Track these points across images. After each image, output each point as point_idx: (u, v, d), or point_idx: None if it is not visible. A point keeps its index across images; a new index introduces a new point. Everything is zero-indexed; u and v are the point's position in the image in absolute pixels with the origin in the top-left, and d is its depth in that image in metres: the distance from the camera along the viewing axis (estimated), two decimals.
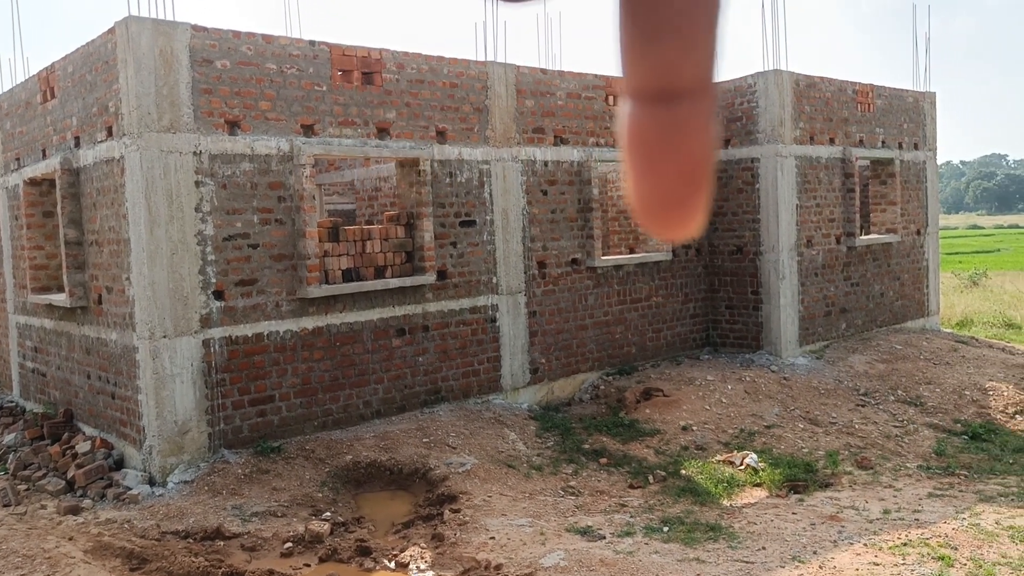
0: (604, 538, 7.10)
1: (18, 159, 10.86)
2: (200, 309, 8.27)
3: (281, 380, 8.82)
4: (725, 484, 8.74)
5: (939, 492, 8.47)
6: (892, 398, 11.53)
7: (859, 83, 14.07)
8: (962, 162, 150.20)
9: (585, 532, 7.23)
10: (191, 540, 6.92)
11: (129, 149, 8.09)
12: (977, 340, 15.10)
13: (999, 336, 16.94)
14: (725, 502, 8.35)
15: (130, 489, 7.91)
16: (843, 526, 7.35)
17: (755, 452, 9.49)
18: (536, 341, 11.07)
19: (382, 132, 9.55)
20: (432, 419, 9.61)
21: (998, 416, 11.07)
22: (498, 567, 6.38)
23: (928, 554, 6.56)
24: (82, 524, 7.22)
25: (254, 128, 8.60)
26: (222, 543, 6.92)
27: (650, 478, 8.91)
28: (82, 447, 8.84)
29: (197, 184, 8.24)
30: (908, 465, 9.53)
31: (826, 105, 13.33)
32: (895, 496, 8.33)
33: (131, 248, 8.19)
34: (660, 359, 12.51)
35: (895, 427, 10.63)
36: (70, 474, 8.40)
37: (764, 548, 6.84)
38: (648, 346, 12.43)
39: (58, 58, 9.57)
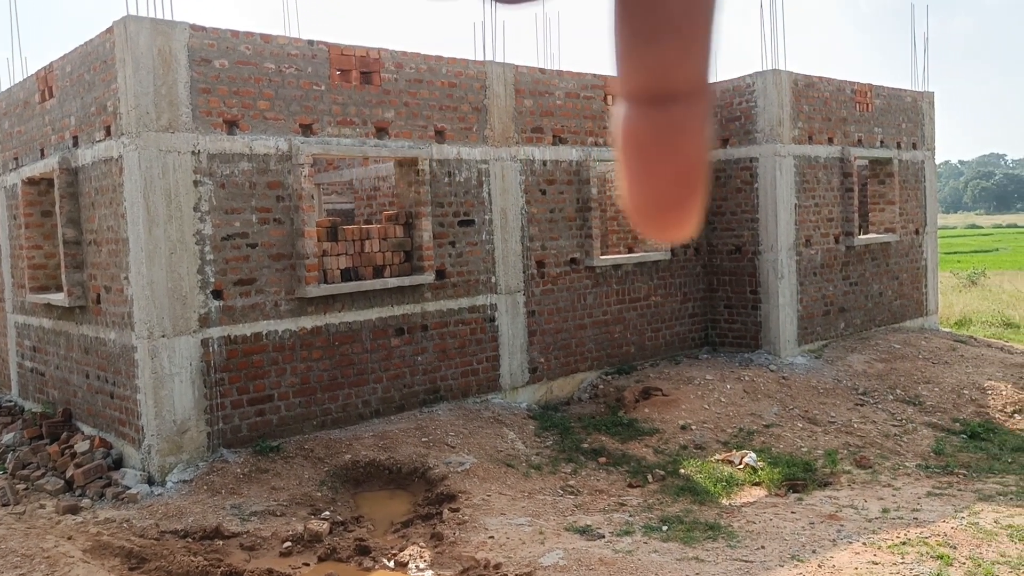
0: (603, 537, 7.10)
1: (16, 158, 10.85)
2: (199, 308, 8.26)
3: (280, 379, 8.82)
4: (724, 483, 8.74)
5: (938, 491, 8.48)
6: (891, 397, 11.54)
7: (857, 83, 14.08)
8: (960, 162, 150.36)
9: (584, 531, 7.23)
10: (190, 539, 6.92)
11: (127, 148, 8.08)
12: (975, 339, 15.12)
13: (997, 335, 16.96)
14: (724, 501, 8.35)
15: (129, 488, 7.90)
16: (842, 525, 7.36)
17: (754, 451, 9.49)
18: (535, 340, 11.07)
19: (381, 132, 9.54)
20: (431, 418, 9.61)
21: (997, 415, 11.08)
22: (497, 566, 6.38)
23: (927, 553, 6.56)
24: (81, 523, 7.22)
25: (253, 128, 8.60)
26: (221, 542, 6.91)
27: (649, 477, 8.92)
28: (81, 446, 8.84)
29: (196, 183, 8.23)
30: (907, 464, 9.54)
31: (825, 105, 13.34)
32: (894, 495, 8.34)
33: (129, 247, 8.19)
34: (659, 358, 12.51)
35: (894, 426, 10.64)
36: (69, 473, 8.40)
37: (763, 547, 6.84)
38: (647, 345, 12.44)
39: (56, 57, 9.57)
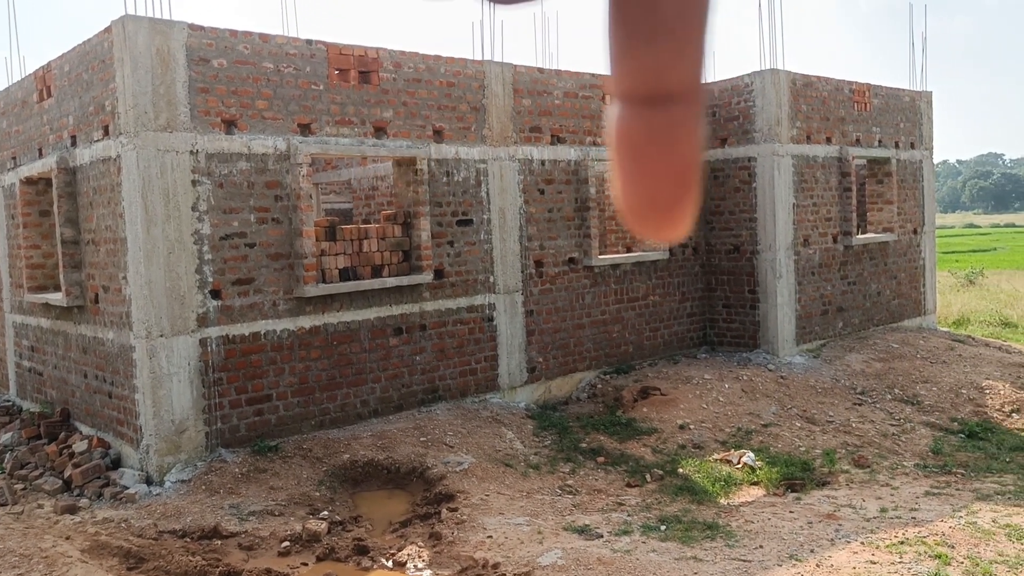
0: (601, 537, 7.11)
1: (14, 158, 10.84)
2: (197, 308, 8.26)
3: (278, 379, 8.82)
4: (722, 483, 8.75)
5: (936, 490, 8.49)
6: (889, 397, 11.55)
7: (856, 82, 14.09)
8: (959, 161, 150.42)
9: (582, 531, 7.23)
10: (188, 539, 6.92)
11: (126, 148, 8.08)
12: (974, 339, 15.13)
13: (995, 335, 16.97)
14: (722, 501, 8.36)
15: (127, 488, 7.90)
16: (840, 524, 7.37)
17: (752, 451, 9.50)
18: (533, 340, 11.07)
19: (379, 131, 9.54)
20: (429, 418, 9.61)
21: (995, 415, 11.09)
22: (496, 566, 6.38)
23: (925, 552, 6.57)
24: (79, 523, 7.21)
25: (251, 127, 8.59)
26: (219, 542, 6.91)
27: (647, 477, 8.92)
28: (79, 446, 8.83)
29: (194, 183, 8.23)
30: (905, 464, 9.55)
31: (823, 104, 13.35)
32: (892, 494, 8.35)
33: (128, 247, 8.18)
34: (657, 358, 12.52)
35: (892, 426, 10.64)
36: (67, 473, 8.39)
37: (761, 547, 6.85)
38: (645, 345, 12.44)
39: (55, 57, 9.56)
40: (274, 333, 8.78)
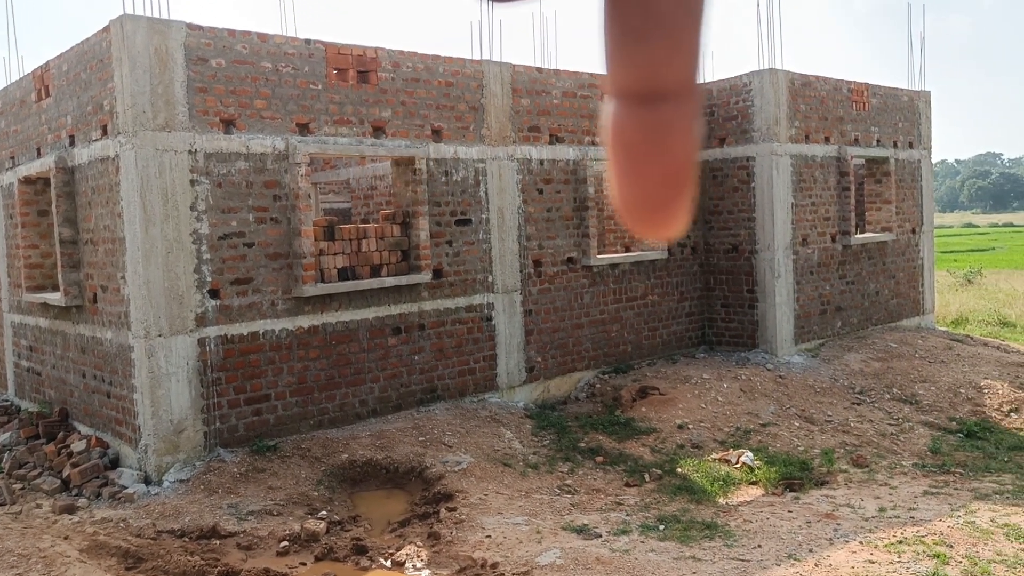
0: (600, 536, 7.11)
1: (13, 158, 10.84)
2: (195, 308, 8.26)
3: (277, 379, 8.81)
4: (721, 482, 8.75)
5: (934, 490, 8.49)
6: (887, 396, 11.56)
7: (854, 82, 14.09)
8: (957, 161, 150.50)
9: (581, 530, 7.23)
10: (187, 539, 6.92)
11: (124, 148, 8.07)
12: (972, 338, 15.14)
13: (994, 334, 16.98)
14: (721, 500, 8.36)
15: (126, 488, 7.89)
16: (839, 524, 7.37)
17: (751, 450, 9.50)
18: (532, 340, 11.07)
19: (378, 131, 9.54)
20: (428, 418, 9.61)
21: (993, 414, 11.09)
22: (494, 565, 6.38)
23: (923, 552, 6.57)
24: (78, 523, 7.21)
25: (249, 127, 8.59)
26: (218, 542, 6.91)
27: (646, 476, 8.92)
28: (77, 446, 8.83)
29: (192, 183, 8.22)
30: (903, 463, 9.55)
31: (821, 104, 13.35)
32: (891, 494, 8.35)
33: (126, 247, 8.18)
34: (656, 357, 12.52)
35: (890, 425, 10.65)
36: (65, 473, 8.39)
37: (760, 546, 6.85)
38: (644, 344, 12.44)
39: (53, 56, 9.55)
40: (273, 333, 8.78)
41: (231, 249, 8.48)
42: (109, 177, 8.44)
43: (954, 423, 10.81)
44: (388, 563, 6.69)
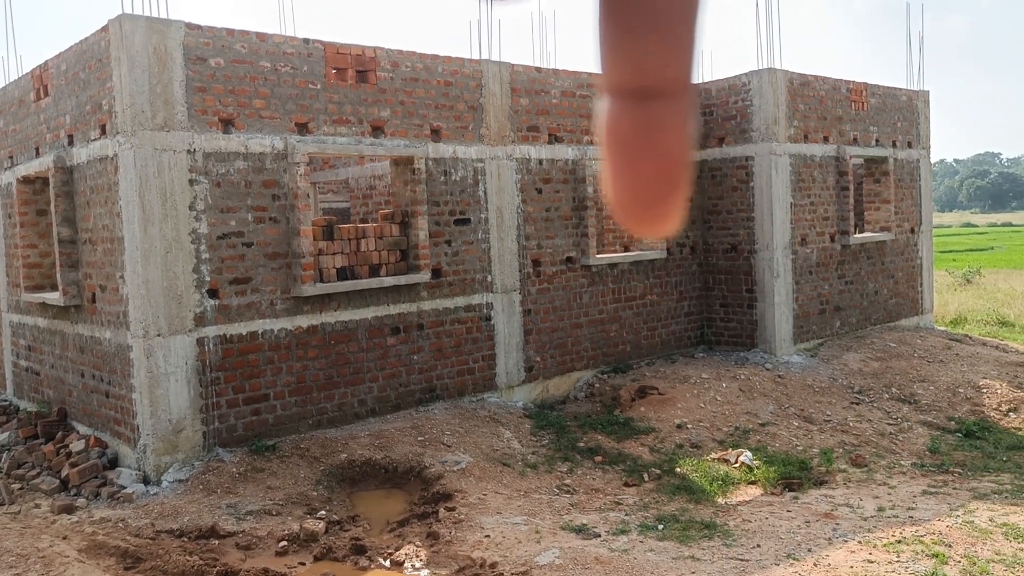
0: (599, 536, 7.11)
1: (11, 157, 10.83)
2: (194, 307, 8.25)
3: (276, 378, 8.81)
4: (720, 482, 8.75)
5: (933, 490, 8.50)
6: (886, 396, 11.56)
7: (853, 81, 14.10)
8: (956, 160, 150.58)
9: (580, 530, 7.23)
10: (186, 539, 6.91)
11: (123, 147, 8.06)
12: (971, 338, 15.15)
13: (993, 334, 16.99)
14: (720, 500, 8.36)
15: (124, 488, 7.89)
16: (837, 524, 7.37)
17: (750, 450, 9.51)
18: (531, 339, 11.07)
19: (376, 130, 9.53)
20: (427, 417, 9.61)
21: (992, 414, 11.10)
22: (493, 565, 6.38)
23: (922, 551, 6.57)
24: (76, 523, 7.20)
25: (248, 126, 8.59)
26: (217, 542, 6.91)
27: (645, 476, 8.92)
28: (76, 446, 8.82)
29: (191, 182, 8.22)
30: (902, 463, 9.56)
31: (820, 103, 13.35)
32: (889, 494, 8.36)
33: (125, 246, 8.17)
34: (655, 357, 12.52)
35: (889, 425, 10.65)
36: (64, 473, 8.38)
37: (759, 546, 6.85)
38: (643, 344, 12.44)
39: (52, 56, 9.54)
40: (271, 332, 8.77)
41: (230, 249, 8.48)
42: (108, 177, 8.43)
43: (953, 423, 10.82)
44: (387, 563, 6.69)
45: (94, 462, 8.40)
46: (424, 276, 9.82)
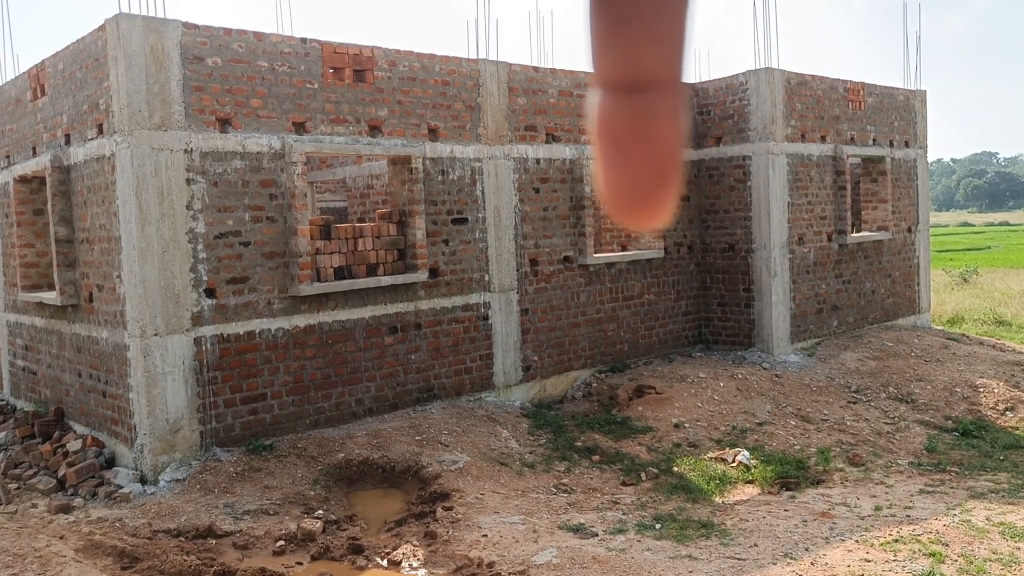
0: (597, 535, 7.11)
1: (8, 157, 10.81)
2: (191, 307, 8.24)
3: (273, 378, 8.80)
4: (717, 481, 8.76)
5: (930, 489, 8.51)
6: (883, 395, 11.57)
7: (850, 81, 14.11)
8: (953, 160, 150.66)
9: (577, 529, 7.23)
10: (183, 538, 6.91)
11: (120, 147, 8.05)
12: (968, 337, 15.17)
13: (990, 333, 17.01)
14: (717, 499, 8.37)
15: (121, 487, 7.88)
16: (835, 523, 7.38)
17: (747, 449, 9.51)
18: (528, 339, 11.07)
19: (374, 130, 9.53)
20: (424, 417, 9.61)
21: (989, 413, 11.12)
22: (491, 565, 6.38)
23: (919, 550, 6.58)
24: (73, 523, 7.20)
25: (245, 126, 8.58)
26: (214, 541, 6.90)
27: (642, 475, 8.93)
28: (73, 445, 8.81)
29: (188, 182, 8.21)
30: (899, 462, 9.57)
31: (817, 103, 13.36)
32: (886, 493, 8.37)
33: (122, 246, 8.16)
34: (652, 356, 12.53)
35: (886, 424, 10.67)
36: (61, 472, 8.37)
37: (756, 545, 6.86)
38: (640, 343, 12.45)
39: (48, 55, 9.53)
40: (269, 332, 8.77)
41: (227, 248, 8.47)
42: (105, 176, 8.42)
43: (950, 422, 10.83)
44: (384, 562, 6.69)
45: (91, 462, 8.39)
46: (421, 275, 9.82)
